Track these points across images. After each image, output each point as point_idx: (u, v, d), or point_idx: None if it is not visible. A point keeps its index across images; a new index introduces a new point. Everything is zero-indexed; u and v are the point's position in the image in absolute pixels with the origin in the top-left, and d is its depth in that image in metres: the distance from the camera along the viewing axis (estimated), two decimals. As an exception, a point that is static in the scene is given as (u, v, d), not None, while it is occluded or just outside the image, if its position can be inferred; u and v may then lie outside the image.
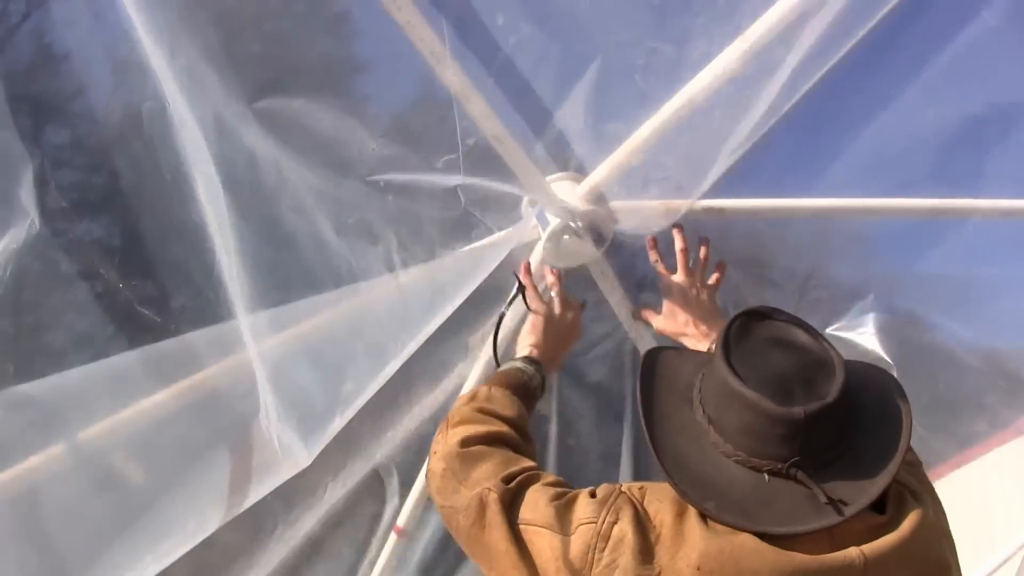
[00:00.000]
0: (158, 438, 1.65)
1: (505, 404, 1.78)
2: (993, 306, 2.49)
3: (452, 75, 1.82)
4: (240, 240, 1.60)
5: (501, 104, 1.96)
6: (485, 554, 1.55)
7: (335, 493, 2.48)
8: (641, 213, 2.25)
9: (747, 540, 1.36)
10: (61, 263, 1.73)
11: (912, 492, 1.48)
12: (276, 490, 2.41)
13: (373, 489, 2.56)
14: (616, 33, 1.88)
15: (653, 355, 1.69)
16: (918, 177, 2.22)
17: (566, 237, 2.28)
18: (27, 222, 1.53)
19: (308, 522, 2.48)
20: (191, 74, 1.55)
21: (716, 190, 2.24)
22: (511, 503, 1.53)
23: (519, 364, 1.94)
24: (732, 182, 2.23)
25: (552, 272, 2.18)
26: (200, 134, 1.54)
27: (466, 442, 1.65)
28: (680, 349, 1.80)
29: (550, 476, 1.61)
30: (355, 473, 2.49)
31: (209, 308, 1.63)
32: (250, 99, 1.68)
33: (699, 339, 2.05)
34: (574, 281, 2.48)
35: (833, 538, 1.37)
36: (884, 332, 2.43)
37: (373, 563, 2.61)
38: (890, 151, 2.21)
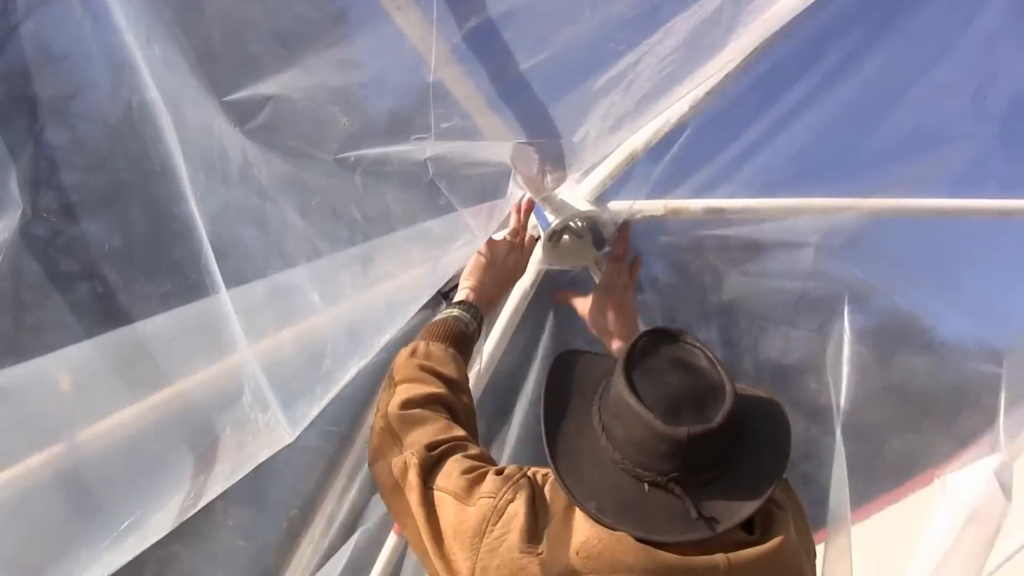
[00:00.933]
0: (136, 431, 1.65)
1: (444, 360, 1.86)
2: (993, 306, 2.49)
3: (451, 75, 1.82)
4: (219, 225, 1.61)
5: (501, 103, 1.96)
6: (400, 513, 1.68)
7: (335, 493, 2.49)
8: (641, 213, 2.25)
9: (625, 537, 1.47)
10: (52, 257, 1.75)
11: (780, 509, 1.58)
12: (279, 492, 2.43)
13: (372, 488, 2.56)
14: (616, 34, 1.87)
15: (568, 357, 1.80)
16: (918, 177, 2.22)
17: (566, 237, 2.28)
18: (18, 214, 1.54)
19: (308, 522, 2.48)
20: (167, 62, 1.56)
21: (716, 190, 2.24)
22: (430, 470, 1.65)
23: (456, 312, 1.99)
24: (732, 182, 2.23)
25: (517, 214, 2.15)
26: (175, 123, 1.56)
27: (406, 404, 1.75)
28: (595, 354, 1.87)
29: (475, 449, 1.72)
30: (354, 472, 2.49)
31: (200, 300, 1.65)
32: (226, 89, 1.70)
33: (618, 341, 2.15)
34: (574, 281, 2.48)
35: (701, 549, 1.47)
36: (883, 332, 2.43)
37: (373, 563, 2.60)
38: (890, 151, 2.21)
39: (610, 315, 2.18)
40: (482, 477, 1.62)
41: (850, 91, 2.10)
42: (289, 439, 1.55)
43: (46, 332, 1.77)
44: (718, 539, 1.47)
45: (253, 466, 1.56)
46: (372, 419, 1.84)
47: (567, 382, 1.71)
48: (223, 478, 1.56)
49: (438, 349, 1.88)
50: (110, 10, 1.53)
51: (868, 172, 2.21)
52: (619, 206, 2.24)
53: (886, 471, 2.65)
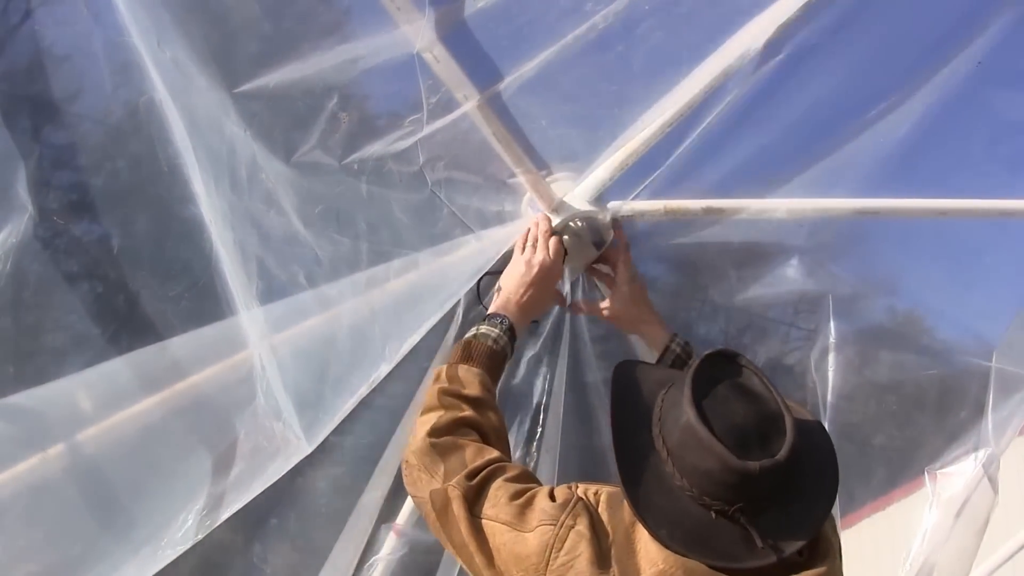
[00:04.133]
0: (152, 435, 1.64)
1: (467, 381, 1.86)
2: (993, 306, 2.50)
3: (451, 76, 1.82)
4: (233, 234, 1.61)
5: (501, 104, 1.96)
6: (448, 542, 1.70)
7: (334, 493, 2.47)
8: (640, 213, 2.26)
9: (697, 565, 1.53)
10: (60, 260, 1.74)
11: (826, 542, 1.64)
12: (278, 491, 2.41)
13: (373, 489, 2.55)
14: (616, 34, 1.88)
15: (626, 368, 1.81)
16: (918, 177, 2.23)
17: (566, 237, 2.27)
18: (25, 216, 1.53)
19: (308, 523, 2.47)
20: (178, 65, 1.56)
21: (716, 190, 2.24)
22: (474, 499, 1.66)
23: (483, 329, 1.97)
24: (732, 182, 2.24)
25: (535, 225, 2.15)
26: (186, 126, 1.55)
27: (434, 432, 1.75)
28: (643, 364, 1.90)
29: (514, 469, 1.73)
30: (354, 474, 2.48)
31: (210, 303, 1.64)
32: (231, 85, 1.70)
33: (654, 326, 2.20)
34: (574, 281, 2.48)
35: (757, 572, 1.53)
36: (884, 331, 2.45)
37: (373, 563, 2.59)
38: (889, 151, 2.21)
39: (642, 304, 2.22)
40: (531, 500, 1.64)
41: (852, 94, 2.11)
42: (306, 449, 1.55)
43: (55, 333, 1.76)
44: (771, 564, 1.53)
45: (274, 478, 1.55)
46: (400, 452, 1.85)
47: (627, 398, 1.72)
48: (242, 486, 1.54)
49: (460, 371, 1.88)
50: (114, 10, 1.52)
51: (867, 170, 2.21)
52: (619, 206, 2.24)
53: (874, 472, 2.66)
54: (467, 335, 1.99)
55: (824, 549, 1.62)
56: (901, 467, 2.70)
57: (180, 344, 1.65)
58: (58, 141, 1.76)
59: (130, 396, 1.60)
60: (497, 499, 1.65)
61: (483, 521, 1.64)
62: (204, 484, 1.55)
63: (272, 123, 1.79)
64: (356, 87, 1.86)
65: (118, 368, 1.60)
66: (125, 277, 1.75)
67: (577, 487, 1.69)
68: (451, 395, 1.83)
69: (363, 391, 1.68)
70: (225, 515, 1.54)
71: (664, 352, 2.16)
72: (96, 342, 1.64)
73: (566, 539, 1.57)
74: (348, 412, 1.65)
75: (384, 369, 1.72)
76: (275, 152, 1.79)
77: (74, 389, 1.55)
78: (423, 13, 1.68)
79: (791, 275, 2.44)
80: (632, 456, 1.62)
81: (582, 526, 1.58)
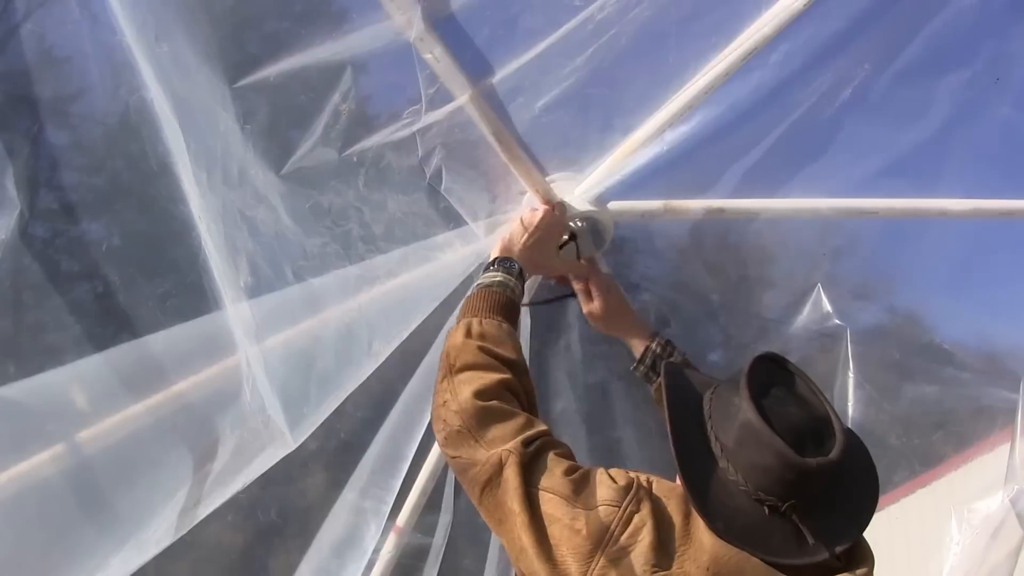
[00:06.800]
0: (137, 430, 1.65)
1: (501, 339, 1.82)
2: (993, 306, 2.50)
3: (452, 76, 1.82)
4: (224, 230, 1.61)
5: (500, 103, 1.96)
6: (495, 510, 1.64)
7: (333, 493, 2.48)
8: (640, 213, 2.26)
9: (751, 557, 1.54)
10: (48, 257, 1.75)
11: (863, 546, 1.65)
12: (275, 490, 2.42)
13: (372, 488, 2.55)
14: (615, 34, 1.88)
15: (675, 370, 1.83)
16: (919, 177, 2.22)
17: (565, 237, 2.27)
18: (15, 214, 1.54)
19: (307, 522, 2.48)
20: (175, 60, 1.56)
21: (716, 190, 2.24)
22: (529, 467, 1.62)
23: (499, 277, 1.95)
24: (732, 182, 2.24)
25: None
26: (180, 122, 1.55)
27: (480, 394, 1.70)
28: (684, 368, 1.91)
29: (562, 444, 1.72)
30: (353, 473, 2.49)
31: (198, 301, 1.64)
32: (231, 79, 1.70)
33: (638, 333, 2.20)
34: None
35: (800, 571, 1.55)
36: (884, 332, 2.44)
37: (373, 563, 2.60)
38: (890, 151, 2.21)
39: (621, 312, 2.22)
40: (587, 479, 1.62)
41: (851, 94, 2.11)
42: (291, 445, 1.55)
43: (45, 332, 1.76)
44: (815, 564, 1.55)
45: (257, 473, 1.55)
46: (435, 409, 1.78)
47: (679, 398, 1.73)
48: (225, 482, 1.55)
49: (492, 327, 1.83)
50: (109, 11, 1.52)
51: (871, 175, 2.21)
52: (619, 206, 2.24)
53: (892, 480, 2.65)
54: (481, 281, 1.95)
55: (861, 555, 1.63)
56: (909, 471, 2.70)
57: (166, 341, 1.65)
58: (48, 140, 1.77)
59: (115, 394, 1.61)
60: (552, 471, 1.62)
61: (539, 491, 1.60)
62: (188, 479, 1.56)
63: (272, 118, 1.79)
64: (356, 80, 1.86)
65: (103, 366, 1.60)
66: (114, 275, 1.76)
67: (635, 476, 1.66)
68: (489, 354, 1.78)
69: (349, 388, 1.67)
70: (208, 510, 1.54)
71: (645, 351, 2.16)
72: (84, 340, 1.64)
73: (629, 523, 1.55)
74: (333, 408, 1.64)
75: (370, 366, 1.72)
76: (273, 148, 1.79)
77: (61, 387, 1.56)
78: (417, 5, 1.68)
79: (792, 275, 2.43)
80: (689, 452, 1.63)
81: (645, 511, 1.57)
